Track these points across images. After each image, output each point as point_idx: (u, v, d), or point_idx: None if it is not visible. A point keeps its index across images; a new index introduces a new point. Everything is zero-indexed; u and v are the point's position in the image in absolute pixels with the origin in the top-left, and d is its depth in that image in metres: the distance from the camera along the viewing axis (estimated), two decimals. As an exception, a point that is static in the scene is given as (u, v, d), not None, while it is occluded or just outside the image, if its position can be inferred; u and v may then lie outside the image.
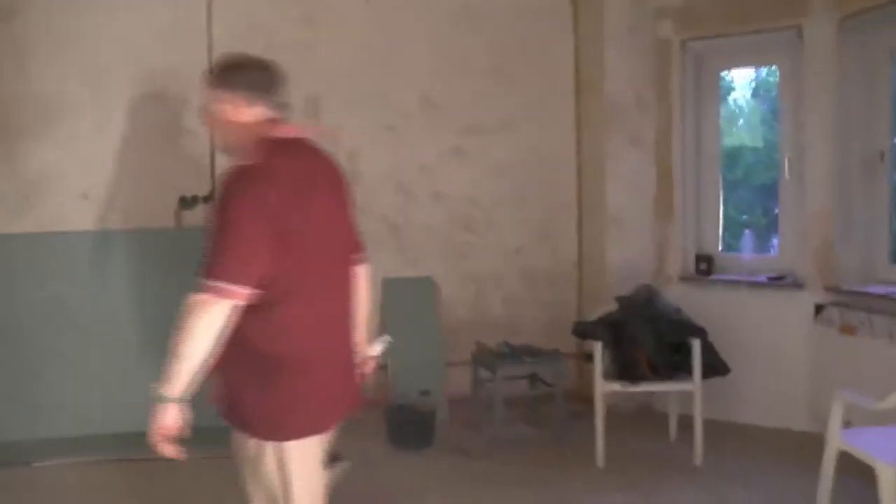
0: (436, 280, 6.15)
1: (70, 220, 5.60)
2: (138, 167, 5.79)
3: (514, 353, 5.31)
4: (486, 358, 5.36)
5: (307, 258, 2.34)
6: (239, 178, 2.28)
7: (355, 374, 2.65)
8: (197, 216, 5.88)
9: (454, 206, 6.26)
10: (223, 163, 5.86)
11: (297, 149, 2.47)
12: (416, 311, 5.95)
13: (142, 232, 5.67)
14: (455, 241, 6.25)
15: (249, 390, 2.38)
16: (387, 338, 2.87)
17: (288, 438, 2.39)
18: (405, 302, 5.91)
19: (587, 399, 5.05)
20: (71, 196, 5.60)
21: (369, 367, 2.80)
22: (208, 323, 2.19)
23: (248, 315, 2.26)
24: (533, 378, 5.48)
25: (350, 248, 2.66)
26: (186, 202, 5.95)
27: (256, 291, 2.24)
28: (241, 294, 2.21)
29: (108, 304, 5.49)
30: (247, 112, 2.44)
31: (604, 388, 4.79)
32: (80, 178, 5.62)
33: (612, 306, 5.18)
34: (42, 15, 5.62)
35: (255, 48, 5.85)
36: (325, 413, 2.48)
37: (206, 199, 5.98)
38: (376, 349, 2.83)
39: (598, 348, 4.83)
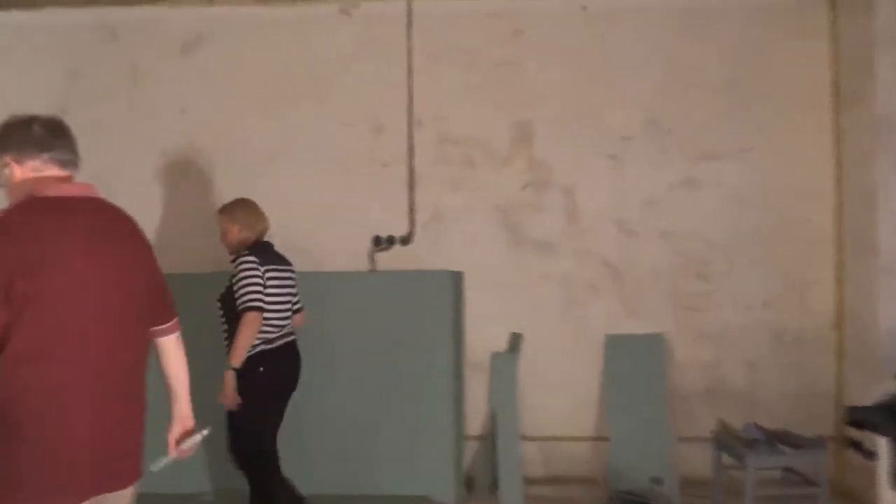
0: (666, 337, 5.34)
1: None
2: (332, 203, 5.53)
3: (769, 441, 4.41)
4: (732, 443, 4.49)
5: (52, 319, 2.25)
6: None
7: (124, 448, 2.46)
8: (395, 257, 5.40)
9: (685, 248, 5.43)
10: (421, 200, 5.49)
11: (67, 207, 2.39)
12: (643, 375, 5.20)
13: (332, 276, 5.15)
14: (687, 290, 5.41)
15: None
16: (204, 432, 2.64)
17: None
18: (630, 363, 5.19)
19: (850, 494, 4.26)
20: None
21: (183, 454, 2.67)
22: None
23: None
24: (788, 470, 4.56)
25: (145, 315, 2.54)
26: (381, 242, 5.47)
27: None
28: None
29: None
30: (20, 170, 2.43)
31: (892, 499, 3.85)
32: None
33: (891, 385, 4.21)
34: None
35: (455, 69, 5.49)
36: (57, 486, 2.28)
37: (404, 241, 5.46)
38: (190, 442, 2.64)
39: (883, 445, 3.89)
